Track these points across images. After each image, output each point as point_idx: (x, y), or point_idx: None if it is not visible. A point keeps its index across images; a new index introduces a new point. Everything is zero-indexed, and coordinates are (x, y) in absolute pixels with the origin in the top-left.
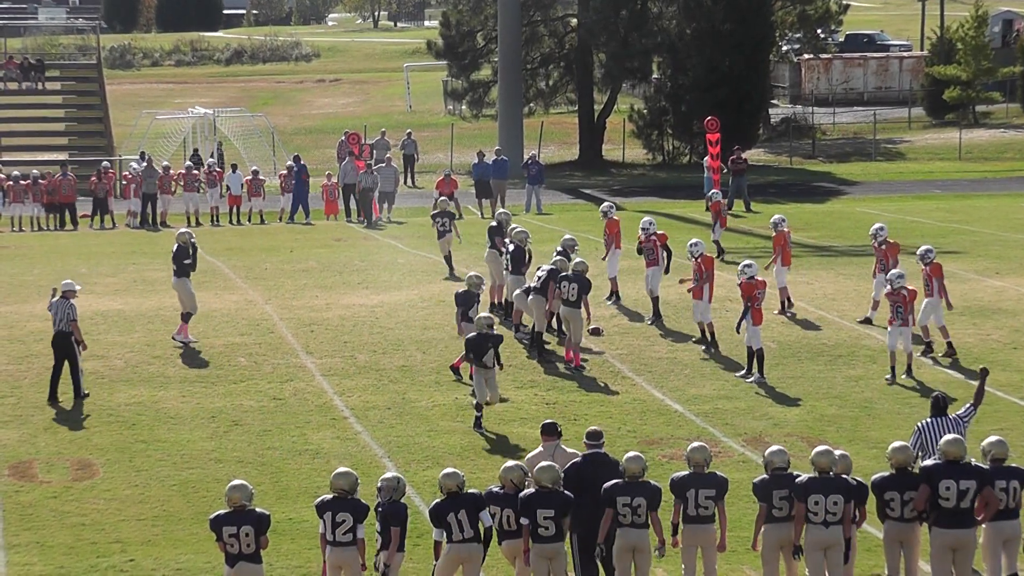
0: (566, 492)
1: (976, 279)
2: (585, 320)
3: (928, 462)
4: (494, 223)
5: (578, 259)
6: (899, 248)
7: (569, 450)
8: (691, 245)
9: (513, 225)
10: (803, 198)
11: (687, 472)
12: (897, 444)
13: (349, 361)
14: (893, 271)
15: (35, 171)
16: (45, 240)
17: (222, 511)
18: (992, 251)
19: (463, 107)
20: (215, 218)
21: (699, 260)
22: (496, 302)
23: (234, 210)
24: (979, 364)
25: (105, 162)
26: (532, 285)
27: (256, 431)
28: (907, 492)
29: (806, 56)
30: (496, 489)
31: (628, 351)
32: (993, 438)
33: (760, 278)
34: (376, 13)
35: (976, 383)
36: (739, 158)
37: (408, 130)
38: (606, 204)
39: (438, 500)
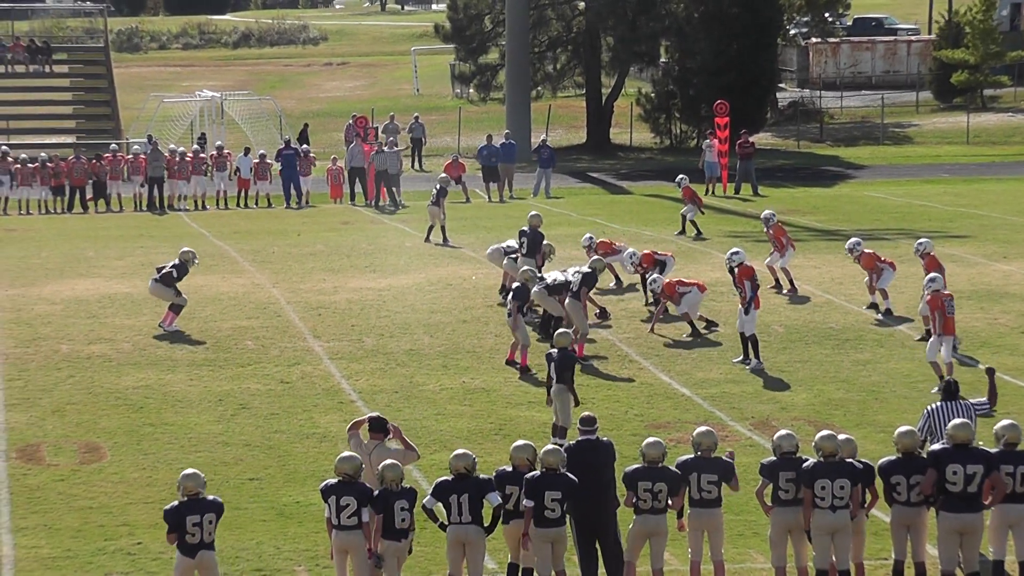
0: (571, 475)
1: (984, 263)
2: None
3: (936, 446)
4: (526, 229)
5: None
6: (876, 256)
7: (392, 447)
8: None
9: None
10: (811, 182)
11: (692, 456)
12: (903, 429)
13: (356, 344)
14: (929, 276)
15: (43, 154)
16: (52, 223)
17: (177, 502)
18: (1000, 235)
19: (470, 90)
20: (223, 201)
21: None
22: (507, 284)
23: (242, 193)
24: (986, 348)
25: (113, 145)
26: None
27: (263, 414)
28: (913, 476)
29: (814, 40)
30: (508, 469)
31: (635, 335)
32: (1006, 422)
33: (748, 263)
34: None
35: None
36: (746, 142)
37: (415, 114)
38: (584, 238)
39: (445, 478)
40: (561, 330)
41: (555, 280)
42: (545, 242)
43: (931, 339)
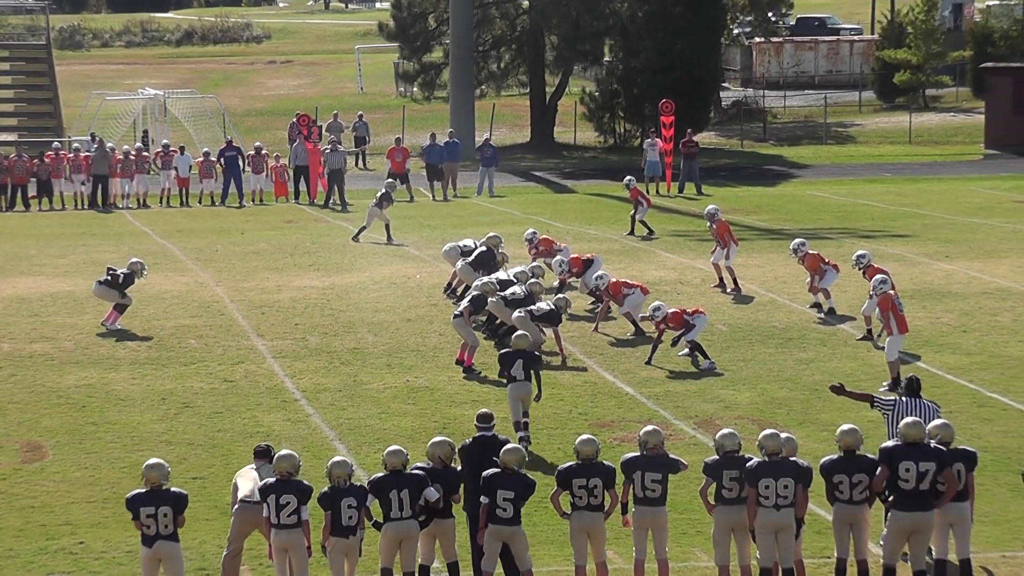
0: (529, 476)
1: (926, 262)
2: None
3: (888, 443)
4: (484, 249)
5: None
6: (820, 258)
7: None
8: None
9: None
10: (754, 181)
11: (637, 454)
12: (846, 427)
13: (300, 343)
14: (878, 277)
15: None
16: None
17: (138, 490)
18: (942, 234)
19: (415, 89)
20: (166, 200)
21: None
22: (452, 283)
23: (183, 191)
24: (928, 346)
25: (56, 143)
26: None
27: (207, 413)
28: (856, 475)
29: (757, 39)
30: (424, 465)
31: (579, 334)
32: (938, 421)
33: (671, 311)
34: None
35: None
36: (690, 141)
37: (359, 112)
38: (527, 232)
39: (381, 474)
40: (519, 333)
41: (513, 294)
42: (501, 250)
43: (888, 339)
